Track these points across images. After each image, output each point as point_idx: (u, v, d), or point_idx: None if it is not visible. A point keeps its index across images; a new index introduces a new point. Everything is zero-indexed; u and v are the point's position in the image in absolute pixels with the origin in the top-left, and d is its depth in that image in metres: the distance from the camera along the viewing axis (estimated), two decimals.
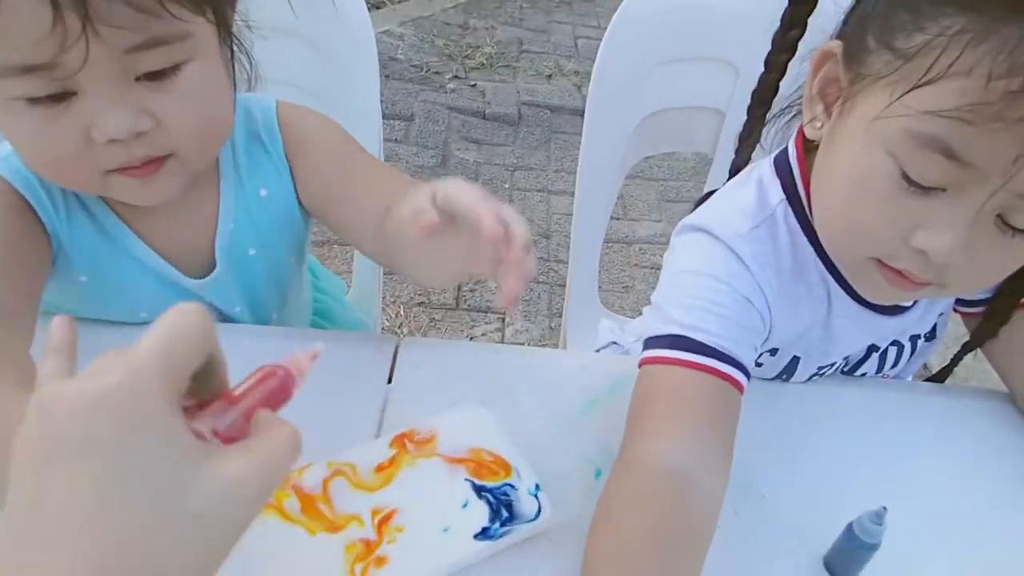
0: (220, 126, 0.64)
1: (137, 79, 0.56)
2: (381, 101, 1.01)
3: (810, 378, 0.75)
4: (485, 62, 3.08)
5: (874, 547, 0.55)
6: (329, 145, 0.75)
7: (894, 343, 0.74)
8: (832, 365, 0.75)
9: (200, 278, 0.73)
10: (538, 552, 0.58)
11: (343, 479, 0.59)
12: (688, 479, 0.55)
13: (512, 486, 0.59)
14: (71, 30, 0.50)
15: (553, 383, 0.72)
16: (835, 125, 0.58)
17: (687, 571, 0.52)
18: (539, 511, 0.58)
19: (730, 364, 0.60)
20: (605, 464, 0.64)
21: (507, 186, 2.49)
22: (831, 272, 0.66)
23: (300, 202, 0.76)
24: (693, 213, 0.69)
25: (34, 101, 0.54)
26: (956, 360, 0.75)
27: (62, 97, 0.54)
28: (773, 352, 0.71)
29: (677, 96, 1.04)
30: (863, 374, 0.77)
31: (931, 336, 0.76)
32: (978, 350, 0.75)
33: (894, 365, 0.77)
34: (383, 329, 1.95)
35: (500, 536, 0.56)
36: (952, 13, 0.49)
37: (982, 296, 0.73)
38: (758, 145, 0.73)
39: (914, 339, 0.75)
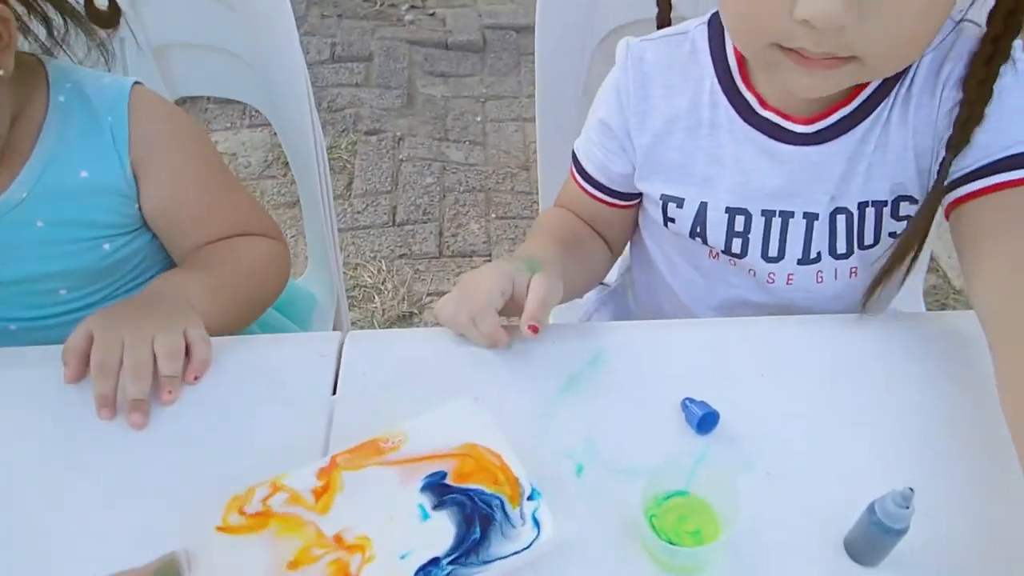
0: None
1: None
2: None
3: (731, 239, 0.71)
4: None
5: (901, 532, 0.47)
6: (185, 170, 0.74)
7: (841, 211, 0.69)
8: (747, 217, 0.70)
9: None
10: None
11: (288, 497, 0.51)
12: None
13: (500, 501, 0.50)
14: None
15: (525, 363, 0.63)
16: None
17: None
18: (534, 538, 0.49)
19: (596, 187, 0.78)
20: (587, 458, 0.56)
21: (479, 119, 2.35)
22: (725, 93, 0.69)
23: (138, 200, 0.72)
24: None
25: None
26: (922, 211, 0.66)
27: None
28: (679, 203, 0.72)
29: (643, 6, 0.92)
30: (816, 257, 0.71)
31: (899, 217, 0.69)
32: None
33: (848, 242, 0.70)
34: (364, 287, 1.86)
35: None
36: None
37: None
38: None
39: (863, 207, 0.68)
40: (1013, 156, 0.60)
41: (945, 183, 0.63)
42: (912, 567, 0.50)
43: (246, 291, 0.74)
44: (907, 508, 0.45)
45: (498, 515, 0.50)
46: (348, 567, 0.47)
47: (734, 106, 0.68)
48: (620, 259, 0.93)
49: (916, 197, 0.67)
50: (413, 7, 2.77)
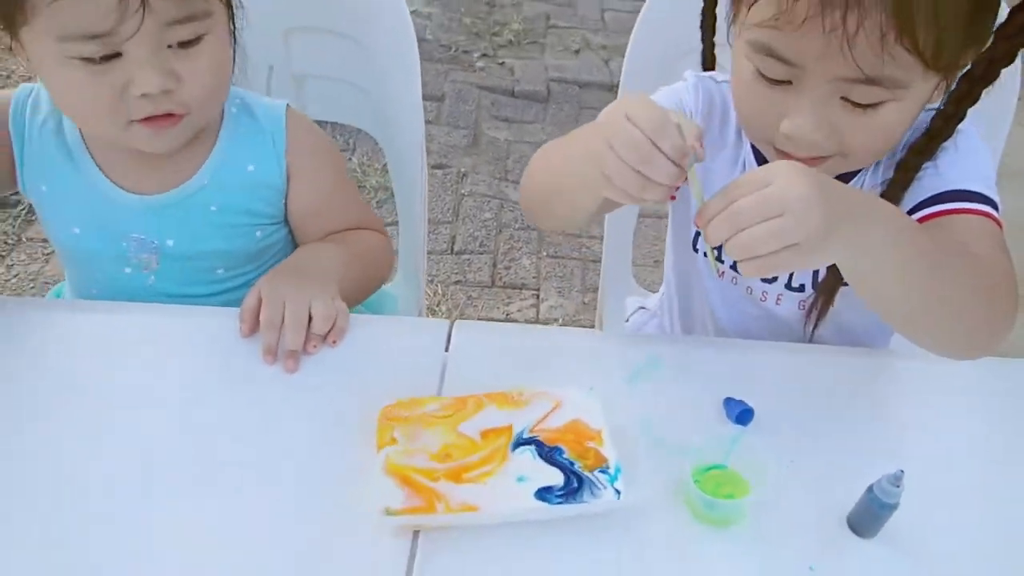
0: (224, 90, 0.78)
1: (169, 47, 0.69)
2: None
3: None
4: (513, 39, 3.10)
5: (893, 507, 0.60)
6: (327, 175, 0.90)
7: None
8: None
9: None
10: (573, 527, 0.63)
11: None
12: None
13: (601, 474, 0.64)
14: (132, 5, 0.65)
15: (597, 360, 0.77)
16: (733, 37, 0.72)
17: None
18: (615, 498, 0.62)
19: None
20: (645, 435, 0.69)
21: None
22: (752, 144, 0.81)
23: (286, 200, 0.88)
24: None
25: (87, 60, 0.67)
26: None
27: (109, 58, 0.68)
28: None
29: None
30: (801, 287, 0.84)
31: None
32: None
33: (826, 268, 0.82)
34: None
35: (556, 503, 0.61)
36: None
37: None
38: None
39: None
40: (946, 192, 0.73)
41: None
42: (901, 541, 0.62)
43: (362, 267, 0.90)
44: (898, 487, 0.59)
45: (587, 477, 0.64)
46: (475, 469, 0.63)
47: (754, 152, 0.81)
48: (662, 288, 1.08)
49: None
50: (485, 55, 2.98)
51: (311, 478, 0.65)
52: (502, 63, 2.96)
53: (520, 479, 0.63)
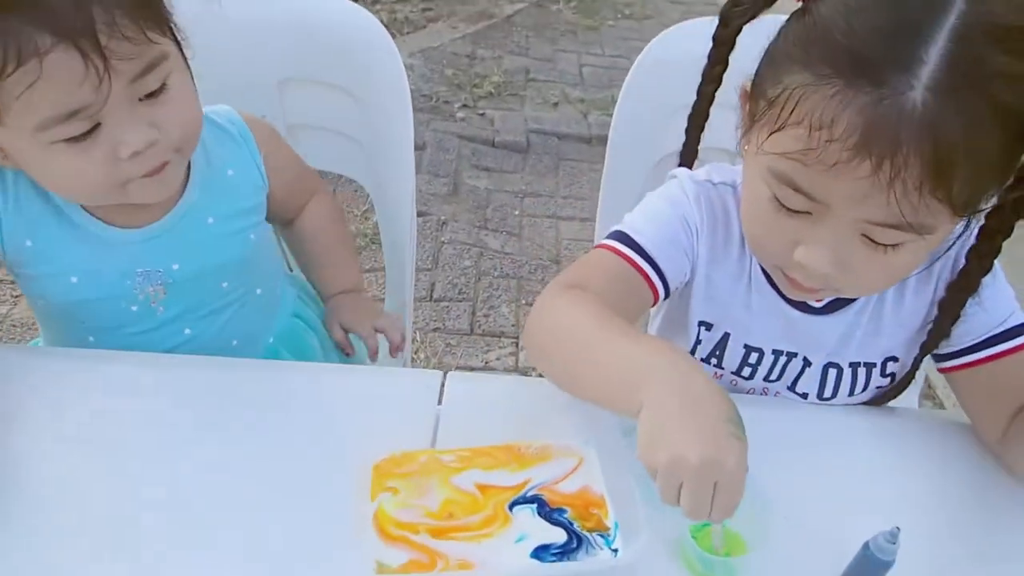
0: (200, 120, 0.78)
1: (140, 100, 0.70)
2: None
3: (743, 366, 0.83)
4: (493, 91, 3.16)
5: (888, 564, 0.60)
6: (287, 159, 0.96)
7: (833, 365, 0.81)
8: (760, 354, 0.82)
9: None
10: None
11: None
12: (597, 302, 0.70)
13: (600, 537, 0.63)
14: (97, 72, 0.64)
15: (594, 416, 0.77)
16: (745, 152, 0.69)
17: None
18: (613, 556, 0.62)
19: (649, 264, 0.76)
20: (641, 490, 0.69)
21: (517, 212, 2.55)
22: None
23: (268, 189, 0.91)
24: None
25: (71, 140, 0.67)
26: (916, 366, 0.81)
27: (91, 132, 0.68)
28: (708, 327, 0.83)
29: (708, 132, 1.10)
30: (804, 394, 0.84)
31: (885, 374, 0.82)
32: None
33: (835, 389, 0.83)
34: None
35: (550, 561, 0.61)
36: (798, 70, 0.59)
37: (954, 353, 0.78)
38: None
39: (855, 366, 0.82)
40: (1003, 332, 0.75)
41: (940, 352, 0.78)
42: None
43: (347, 236, 1.09)
44: (894, 544, 0.59)
45: (586, 536, 0.63)
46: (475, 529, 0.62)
47: (764, 273, 0.79)
48: None
49: (900, 357, 0.81)
50: (465, 106, 3.03)
51: (301, 532, 0.64)
52: (482, 114, 3.01)
53: (519, 539, 0.62)
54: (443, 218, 2.46)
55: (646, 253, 0.76)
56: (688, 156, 0.85)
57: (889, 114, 0.55)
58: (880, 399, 0.83)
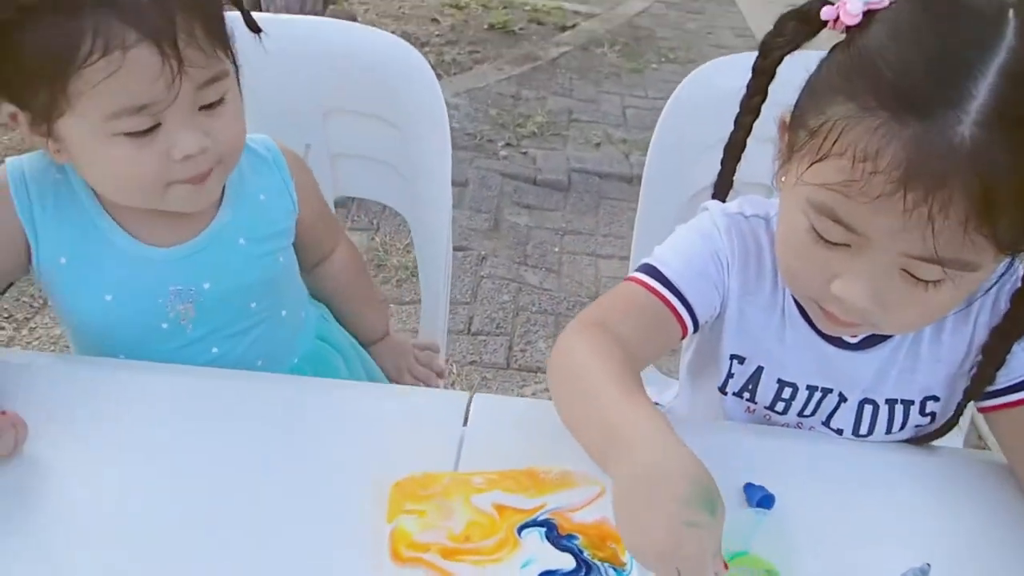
0: (244, 140, 0.83)
1: (199, 109, 0.75)
2: None
3: (776, 400, 0.81)
4: (536, 130, 3.21)
5: None
6: (315, 195, 0.99)
7: (868, 401, 0.79)
8: (794, 389, 0.80)
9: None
10: None
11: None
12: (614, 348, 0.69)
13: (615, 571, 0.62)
14: (172, 72, 0.70)
15: None
16: (782, 183, 0.68)
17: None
18: None
19: (677, 297, 0.75)
20: None
21: (556, 250, 2.57)
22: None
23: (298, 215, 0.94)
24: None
25: (131, 135, 0.72)
26: (959, 410, 0.79)
27: (151, 130, 0.73)
28: (741, 361, 0.81)
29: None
30: (839, 431, 0.82)
31: (924, 413, 0.80)
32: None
33: (871, 426, 0.80)
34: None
35: None
36: (841, 101, 0.59)
37: (993, 392, 0.76)
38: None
39: (892, 403, 0.79)
40: None
41: (984, 391, 0.75)
42: None
43: (372, 284, 1.14)
44: None
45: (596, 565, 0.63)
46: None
47: (797, 306, 0.78)
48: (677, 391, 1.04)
49: (940, 396, 0.79)
50: (509, 145, 3.08)
51: (318, 550, 0.64)
52: (525, 152, 3.05)
53: (525, 564, 0.62)
54: (483, 253, 2.48)
55: (674, 286, 0.75)
56: (722, 188, 0.85)
57: (936, 148, 0.54)
58: (921, 440, 0.81)
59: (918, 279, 0.60)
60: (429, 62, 1.08)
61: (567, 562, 0.62)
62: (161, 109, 0.72)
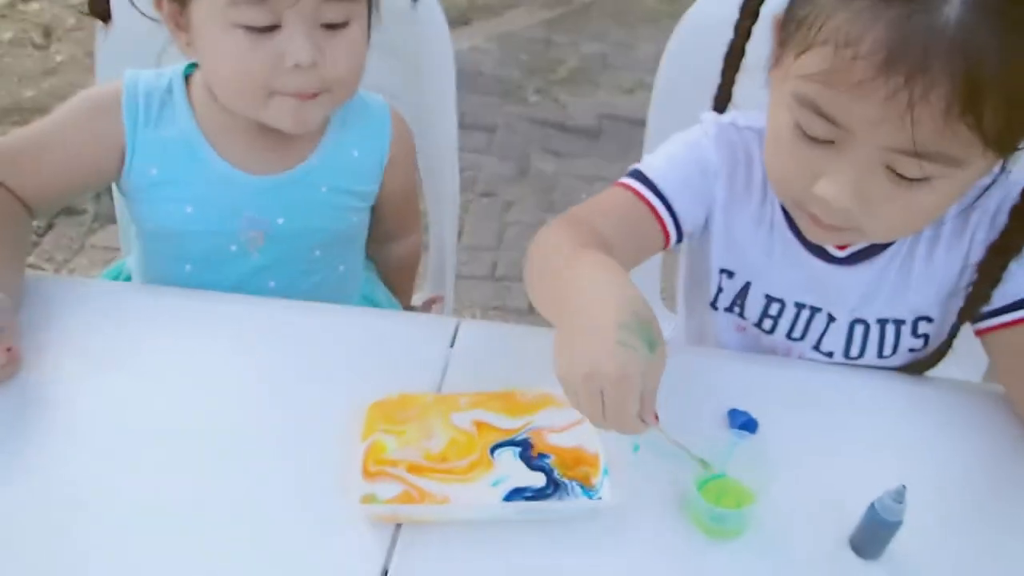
0: (359, 75, 0.83)
1: (321, 26, 0.75)
2: (462, 111, 1.09)
3: (764, 317, 0.80)
4: (567, 76, 3.15)
5: (896, 525, 0.57)
6: (408, 175, 1.00)
7: (859, 321, 0.77)
8: (782, 305, 0.79)
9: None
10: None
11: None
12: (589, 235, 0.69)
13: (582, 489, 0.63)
14: None
15: None
16: (772, 82, 0.67)
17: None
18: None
19: (662, 202, 0.75)
20: (643, 439, 0.68)
21: (584, 196, 2.51)
22: (782, 207, 0.75)
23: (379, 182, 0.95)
24: None
25: (250, 29, 0.73)
26: (954, 332, 0.77)
27: (269, 29, 0.73)
28: (730, 275, 0.81)
29: (743, 106, 1.07)
30: (830, 353, 0.80)
31: (917, 334, 0.78)
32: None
33: (862, 348, 0.79)
34: None
35: (521, 500, 0.61)
36: None
37: (990, 312, 0.73)
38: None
39: (883, 323, 0.77)
40: None
41: (979, 310, 0.72)
42: (907, 562, 0.59)
43: (414, 280, 1.15)
44: (901, 503, 0.56)
45: (565, 483, 0.63)
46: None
47: (786, 218, 0.77)
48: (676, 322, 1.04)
49: (933, 318, 0.77)
50: (539, 91, 3.03)
51: (296, 466, 0.66)
52: (555, 99, 3.00)
53: (496, 483, 0.62)
54: (509, 199, 2.47)
55: (659, 191, 0.76)
56: (721, 100, 0.83)
57: (918, 29, 0.52)
58: (916, 366, 0.79)
59: (901, 176, 0.58)
60: (460, 6, 1.07)
61: (538, 480, 0.62)
62: (283, 8, 0.72)
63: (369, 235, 1.03)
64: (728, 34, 0.99)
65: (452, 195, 1.13)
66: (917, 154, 0.56)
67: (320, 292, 0.94)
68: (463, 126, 1.12)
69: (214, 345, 0.76)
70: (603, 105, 2.97)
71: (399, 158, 0.94)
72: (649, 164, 0.78)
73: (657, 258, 1.21)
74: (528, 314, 2.09)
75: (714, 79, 1.02)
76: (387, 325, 0.82)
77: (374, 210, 0.99)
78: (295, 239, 0.91)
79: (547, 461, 0.64)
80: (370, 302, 1.05)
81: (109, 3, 0.87)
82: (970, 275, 0.72)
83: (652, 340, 0.55)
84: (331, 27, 0.76)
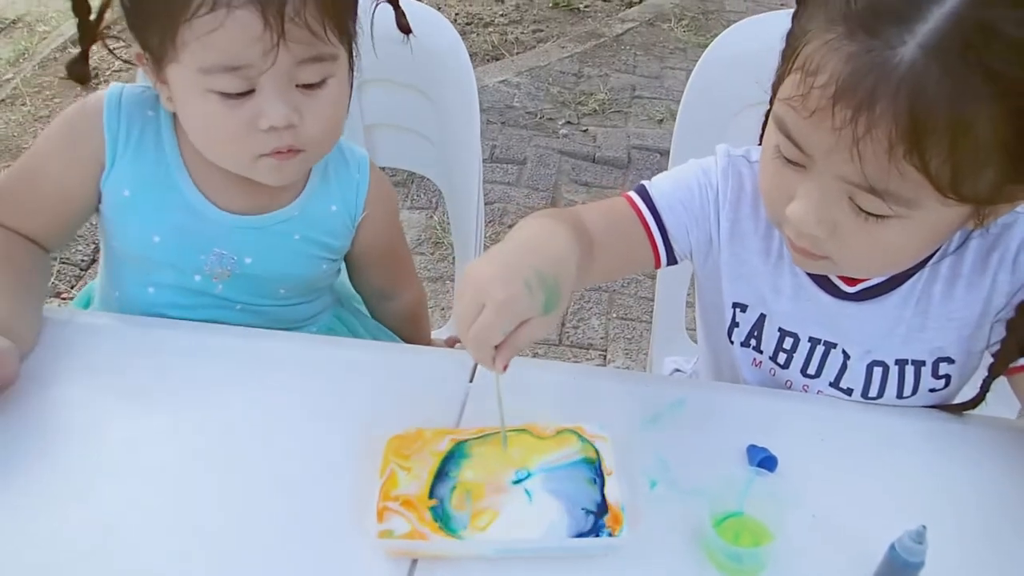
0: (336, 134, 0.83)
1: (297, 86, 0.75)
2: (493, 145, 1.11)
3: (778, 351, 0.79)
4: (597, 108, 3.17)
5: (918, 566, 0.56)
6: (387, 233, 0.99)
7: (878, 363, 0.76)
8: (795, 339, 0.78)
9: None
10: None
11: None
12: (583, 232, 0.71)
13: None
14: (271, 39, 0.70)
15: (621, 399, 0.76)
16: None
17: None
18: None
19: (656, 221, 0.77)
20: (661, 476, 0.68)
21: None
22: None
23: (353, 240, 0.95)
24: None
25: (224, 95, 0.73)
26: (985, 387, 0.75)
27: (243, 94, 0.73)
28: (743, 308, 0.81)
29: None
30: (848, 391, 0.79)
31: (938, 376, 0.76)
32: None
33: (881, 388, 0.77)
34: None
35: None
36: (816, 15, 0.58)
37: None
38: None
39: (902, 364, 0.76)
40: None
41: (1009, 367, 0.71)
42: None
43: (427, 327, 1.13)
44: (921, 544, 0.55)
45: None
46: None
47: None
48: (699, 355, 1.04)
49: (955, 358, 0.75)
50: (569, 123, 3.06)
51: (317, 500, 0.66)
52: (585, 130, 3.02)
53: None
54: None
55: (657, 210, 0.78)
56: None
57: (871, 66, 0.53)
58: (948, 410, 0.77)
59: (862, 210, 0.60)
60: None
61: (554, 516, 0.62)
62: (256, 75, 0.72)
63: (362, 294, 1.04)
64: (751, 66, 1.01)
65: (477, 229, 1.15)
66: (872, 190, 0.57)
67: (279, 323, 0.94)
68: (493, 159, 1.14)
69: (237, 379, 0.78)
70: (633, 136, 2.99)
71: (376, 215, 0.94)
72: (656, 182, 0.80)
73: (683, 291, 1.21)
74: (557, 345, 2.09)
75: (737, 110, 1.03)
76: (408, 360, 0.83)
77: (357, 267, 0.99)
78: (261, 279, 0.91)
79: (566, 495, 0.64)
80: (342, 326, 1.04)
81: (88, 66, 0.88)
82: (993, 318, 0.71)
83: (552, 301, 0.59)
84: (308, 87, 0.75)
